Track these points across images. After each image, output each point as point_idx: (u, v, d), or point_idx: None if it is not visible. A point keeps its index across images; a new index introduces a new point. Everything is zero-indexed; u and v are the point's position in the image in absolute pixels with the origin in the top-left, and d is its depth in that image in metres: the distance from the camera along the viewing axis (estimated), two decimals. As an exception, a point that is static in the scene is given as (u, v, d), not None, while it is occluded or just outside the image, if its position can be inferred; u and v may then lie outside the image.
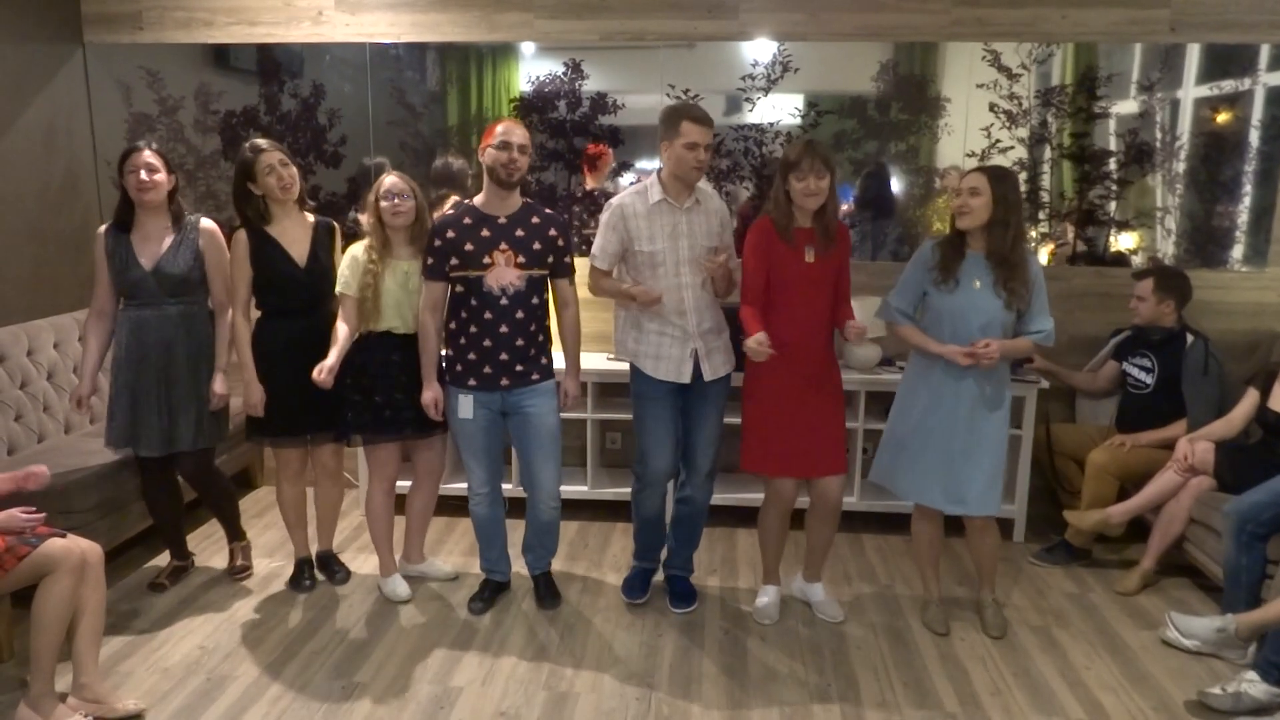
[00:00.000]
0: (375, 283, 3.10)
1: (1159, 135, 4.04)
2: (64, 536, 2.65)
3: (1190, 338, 3.66)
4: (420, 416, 3.18)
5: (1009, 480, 3.80)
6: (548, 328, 3.20)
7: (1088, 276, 4.16)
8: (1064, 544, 3.73)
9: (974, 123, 4.09)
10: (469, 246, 3.02)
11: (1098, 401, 4.05)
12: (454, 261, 3.04)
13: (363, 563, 3.67)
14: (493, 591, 3.37)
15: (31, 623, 2.57)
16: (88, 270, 3.56)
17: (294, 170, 3.21)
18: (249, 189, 3.17)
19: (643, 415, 3.18)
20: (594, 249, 3.14)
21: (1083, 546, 3.70)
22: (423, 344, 3.13)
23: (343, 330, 3.13)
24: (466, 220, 3.05)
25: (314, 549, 3.57)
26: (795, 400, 3.04)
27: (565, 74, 4.20)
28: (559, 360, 3.25)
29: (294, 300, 3.24)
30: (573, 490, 4.03)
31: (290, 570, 3.53)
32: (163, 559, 3.59)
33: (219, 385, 3.29)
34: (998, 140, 4.09)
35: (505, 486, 3.35)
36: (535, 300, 3.11)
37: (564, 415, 3.26)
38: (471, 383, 3.09)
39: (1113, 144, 4.07)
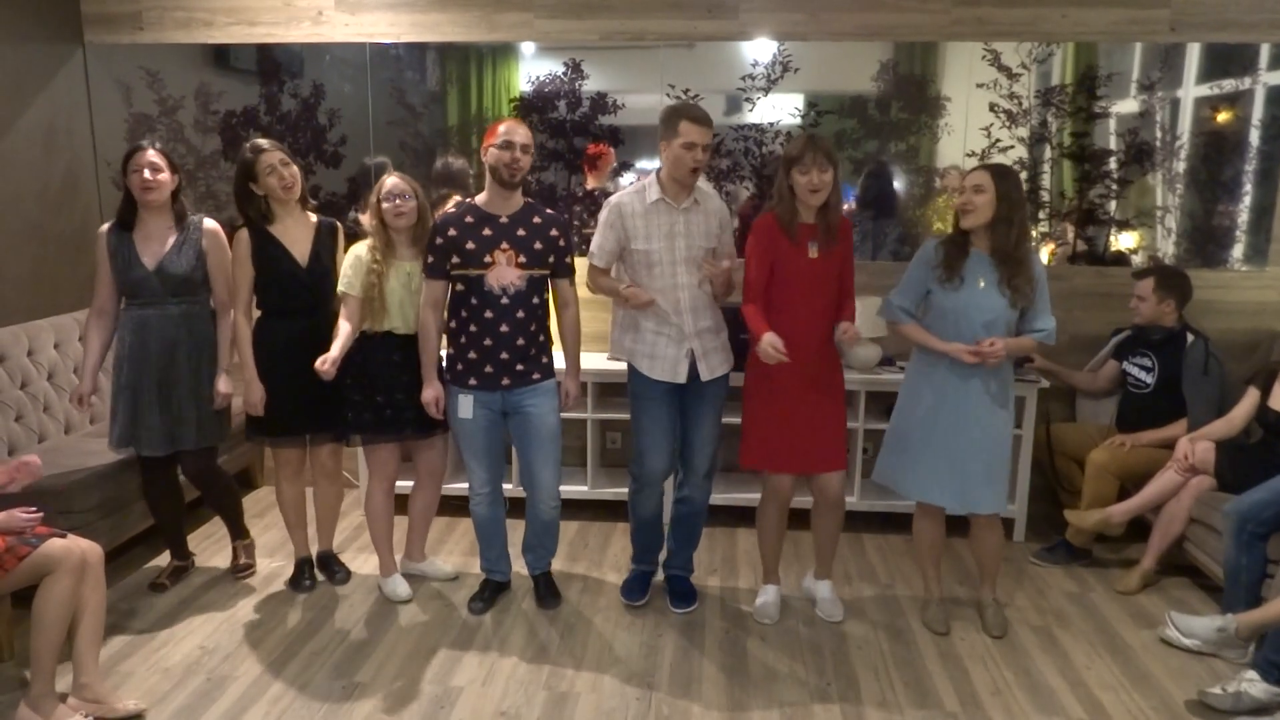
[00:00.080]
0: (380, 283, 3.11)
1: (1159, 135, 4.04)
2: (64, 536, 2.65)
3: (1190, 337, 3.66)
4: (421, 416, 3.19)
5: (1009, 480, 3.79)
6: (548, 328, 3.20)
7: (1088, 276, 4.16)
8: (1064, 543, 3.73)
9: (974, 122, 4.09)
10: (470, 245, 3.02)
11: (1098, 401, 4.05)
12: (455, 260, 3.04)
13: (363, 563, 3.67)
14: (493, 591, 3.37)
15: (32, 623, 2.57)
16: (88, 270, 3.56)
17: (295, 170, 3.21)
18: (250, 189, 3.18)
19: (639, 415, 3.18)
20: (592, 246, 3.15)
21: (1083, 546, 3.70)
22: (423, 342, 3.13)
23: (345, 327, 3.13)
24: (468, 219, 3.06)
25: (314, 549, 3.57)
26: (796, 396, 3.04)
27: (565, 74, 4.20)
28: (559, 360, 3.25)
29: (295, 300, 3.24)
30: (573, 490, 4.03)
31: (290, 570, 3.53)
32: (163, 559, 3.59)
33: (223, 385, 3.29)
34: (998, 140, 4.09)
35: (505, 486, 3.34)
36: (536, 300, 3.11)
37: (564, 415, 3.26)
38: (472, 382, 3.09)
39: (1113, 143, 4.07)
